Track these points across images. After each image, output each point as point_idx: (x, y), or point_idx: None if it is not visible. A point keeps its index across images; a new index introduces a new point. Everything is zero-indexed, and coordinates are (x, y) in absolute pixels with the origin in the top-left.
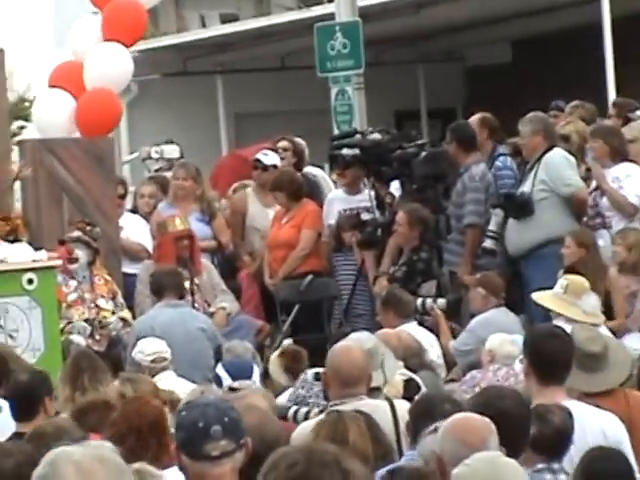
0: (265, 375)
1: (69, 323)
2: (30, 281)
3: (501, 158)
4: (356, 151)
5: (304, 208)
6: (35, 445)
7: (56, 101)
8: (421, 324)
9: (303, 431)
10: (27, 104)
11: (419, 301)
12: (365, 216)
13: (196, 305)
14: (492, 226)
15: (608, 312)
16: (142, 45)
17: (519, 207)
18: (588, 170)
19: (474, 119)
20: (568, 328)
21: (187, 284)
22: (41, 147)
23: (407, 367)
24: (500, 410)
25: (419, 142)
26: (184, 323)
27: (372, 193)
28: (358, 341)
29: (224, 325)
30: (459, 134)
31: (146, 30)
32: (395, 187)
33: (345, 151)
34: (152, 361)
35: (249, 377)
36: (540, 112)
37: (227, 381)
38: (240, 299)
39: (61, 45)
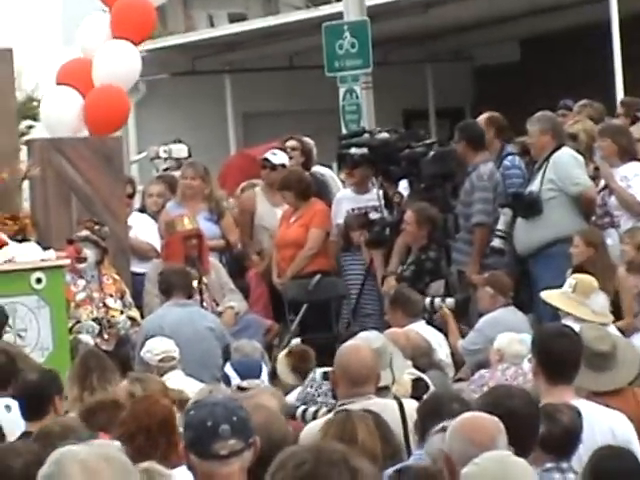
0: (273, 375)
1: (77, 322)
2: (39, 280)
3: (509, 157)
4: (364, 150)
5: (312, 207)
6: (42, 444)
7: (64, 98)
8: (429, 323)
9: (311, 430)
10: (35, 103)
11: (427, 300)
12: (373, 215)
13: (204, 304)
14: (500, 225)
15: (616, 311)
16: (150, 45)
17: (527, 206)
18: (596, 169)
19: (481, 118)
20: (577, 327)
21: (195, 283)
22: (49, 146)
23: (416, 366)
24: (509, 409)
25: (427, 141)
26: (192, 322)
27: (380, 192)
28: (366, 340)
29: (232, 324)
30: (468, 133)
31: (155, 28)
32: (403, 186)
33: (353, 150)
34: (160, 360)
35: (258, 376)
36: (548, 111)
37: (236, 380)
38: (248, 298)
39: (69, 44)
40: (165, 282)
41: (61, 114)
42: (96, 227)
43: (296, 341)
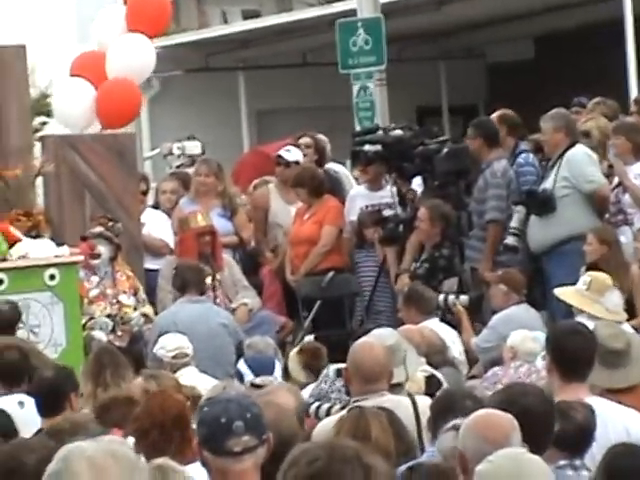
0: (286, 372)
1: (91, 319)
2: (52, 277)
3: (523, 155)
4: (378, 147)
5: (326, 204)
6: (52, 442)
7: (76, 89)
8: (443, 320)
9: (325, 427)
10: (49, 100)
11: (441, 297)
12: (387, 212)
13: (218, 301)
14: (514, 223)
15: (630, 309)
16: (164, 41)
17: (541, 204)
18: (610, 167)
19: (494, 116)
20: (591, 325)
21: (209, 280)
22: (63, 143)
23: (429, 363)
24: (524, 407)
25: (441, 138)
26: (206, 319)
27: (394, 189)
28: (380, 337)
29: (246, 321)
30: (484, 130)
31: (169, 22)
32: (417, 183)
33: (367, 147)
34: (174, 357)
35: (271, 373)
36: (562, 108)
37: (249, 377)
38: (262, 295)
39: (83, 41)
40: (180, 278)
41: (73, 105)
42: (109, 223)
43: (309, 338)
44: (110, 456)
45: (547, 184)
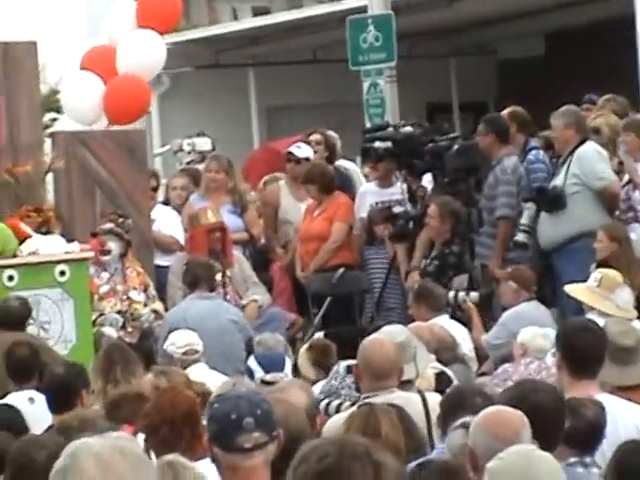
0: (296, 368)
1: (101, 315)
2: (62, 273)
3: (533, 152)
4: (388, 144)
5: (336, 201)
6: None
7: (85, 83)
8: (453, 317)
9: (335, 424)
10: (59, 96)
11: (451, 294)
12: (397, 209)
13: (228, 297)
14: (524, 220)
15: None
16: (174, 38)
17: (551, 201)
18: (621, 164)
19: (504, 113)
20: (601, 322)
21: (219, 276)
22: (73, 139)
23: (439, 360)
24: (534, 404)
25: (451, 135)
26: (216, 315)
27: (404, 186)
28: (390, 334)
29: (256, 317)
30: (496, 126)
31: (180, 18)
32: (427, 180)
33: (377, 144)
34: (184, 353)
35: (281, 369)
36: (573, 105)
37: (259, 373)
38: (272, 291)
39: (93, 37)
40: (190, 275)
41: (82, 99)
42: (120, 220)
43: (319, 335)
44: (117, 452)
45: (557, 181)
